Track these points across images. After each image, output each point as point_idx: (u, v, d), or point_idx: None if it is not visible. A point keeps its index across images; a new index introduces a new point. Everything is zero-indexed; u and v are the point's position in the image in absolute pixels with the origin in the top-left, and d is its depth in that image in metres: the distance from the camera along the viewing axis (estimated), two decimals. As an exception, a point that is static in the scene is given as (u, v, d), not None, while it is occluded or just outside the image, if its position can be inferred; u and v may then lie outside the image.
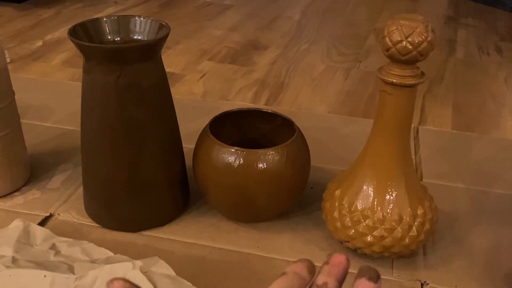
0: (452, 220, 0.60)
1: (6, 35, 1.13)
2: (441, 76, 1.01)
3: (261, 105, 0.87)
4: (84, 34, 0.51)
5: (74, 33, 0.50)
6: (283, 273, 0.27)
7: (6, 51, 1.00)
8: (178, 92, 0.91)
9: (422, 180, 0.67)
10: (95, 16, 1.27)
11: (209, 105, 0.86)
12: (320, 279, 0.27)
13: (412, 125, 0.80)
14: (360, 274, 0.27)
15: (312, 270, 0.28)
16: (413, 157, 0.72)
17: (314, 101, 0.90)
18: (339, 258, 0.28)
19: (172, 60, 1.04)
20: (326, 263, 0.28)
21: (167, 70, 1.00)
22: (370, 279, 0.26)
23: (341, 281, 0.27)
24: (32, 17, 1.24)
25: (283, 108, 0.87)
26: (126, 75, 0.49)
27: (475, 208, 0.63)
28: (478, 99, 0.92)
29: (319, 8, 1.43)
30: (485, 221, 0.60)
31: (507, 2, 1.44)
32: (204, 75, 0.98)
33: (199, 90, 0.93)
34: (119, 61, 0.48)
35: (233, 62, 1.05)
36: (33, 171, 0.66)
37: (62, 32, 1.16)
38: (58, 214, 0.59)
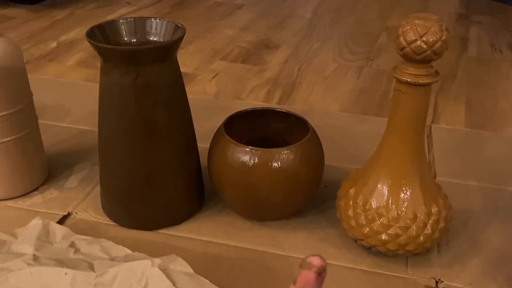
0: (466, 218, 0.60)
1: (21, 37, 1.14)
2: (453, 74, 1.01)
3: (273, 104, 0.88)
4: (102, 36, 0.52)
5: (91, 35, 0.51)
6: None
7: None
8: (191, 92, 0.91)
9: (436, 178, 0.67)
10: (108, 16, 1.28)
11: (222, 105, 0.86)
12: None
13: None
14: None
15: (324, 266, 0.25)
16: (427, 155, 0.72)
17: (327, 99, 0.90)
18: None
19: (185, 60, 1.04)
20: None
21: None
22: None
23: None
24: (46, 19, 1.25)
25: (295, 107, 0.87)
26: (143, 76, 0.50)
27: (489, 206, 0.63)
28: (491, 96, 0.92)
29: (330, 7, 1.44)
30: (499, 218, 0.61)
31: (519, -1, 1.43)
32: (216, 74, 0.99)
33: (212, 89, 0.93)
34: (136, 63, 0.49)
35: (245, 61, 1.05)
36: (50, 170, 0.67)
37: (76, 33, 1.17)
38: (76, 213, 0.60)
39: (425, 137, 0.77)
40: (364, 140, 0.76)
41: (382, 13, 1.38)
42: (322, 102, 0.90)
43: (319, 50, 1.12)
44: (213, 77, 0.98)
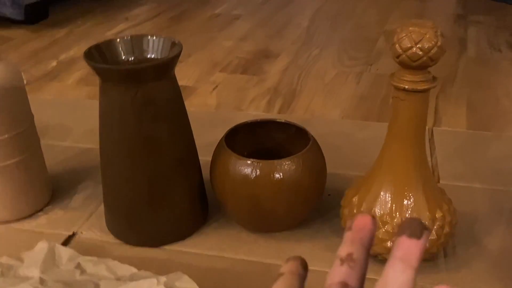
0: (471, 221, 0.60)
1: (21, 57, 1.15)
2: (453, 75, 1.01)
3: (274, 114, 0.88)
4: (99, 56, 0.53)
5: (89, 55, 0.51)
6: (280, 274, 0.25)
7: (22, 73, 1.03)
8: (192, 105, 0.92)
9: (439, 182, 0.67)
10: (107, 33, 1.29)
11: (223, 116, 0.87)
12: (343, 251, 0.23)
13: (427, 127, 0.80)
14: (400, 232, 0.22)
15: (306, 265, 0.26)
16: (429, 159, 0.72)
17: (327, 106, 0.90)
18: (363, 220, 0.23)
19: (184, 73, 1.05)
20: (349, 228, 0.24)
21: (180, 83, 1.00)
22: (411, 235, 0.22)
23: (368, 247, 0.24)
24: (46, 38, 1.26)
25: (296, 115, 0.87)
26: (142, 94, 0.50)
27: (494, 208, 0.62)
28: (492, 97, 0.92)
29: (328, 13, 1.44)
30: (505, 220, 0.60)
31: (516, -3, 1.43)
32: (216, 86, 0.99)
33: (212, 101, 0.94)
34: (135, 81, 0.49)
35: (245, 72, 1.06)
36: (54, 190, 0.67)
37: (75, 51, 1.18)
38: (81, 232, 0.60)
39: (427, 142, 0.76)
40: (366, 146, 0.76)
41: (380, 17, 1.38)
42: (323, 109, 0.90)
43: (318, 57, 1.12)
44: (213, 89, 0.98)
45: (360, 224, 0.24)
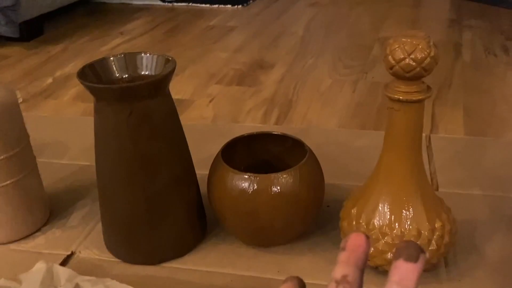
0: (471, 229, 0.60)
1: (17, 75, 1.15)
2: (449, 81, 1.01)
3: (271, 125, 0.88)
4: (93, 75, 0.53)
5: (83, 75, 0.51)
6: None
7: (18, 92, 1.03)
8: (188, 118, 0.92)
9: (438, 190, 0.67)
10: (102, 48, 1.30)
11: (220, 129, 0.87)
12: (338, 273, 0.23)
13: (424, 134, 0.80)
14: (396, 255, 0.22)
15: (303, 285, 0.25)
16: (428, 166, 0.72)
17: (324, 116, 0.90)
18: (356, 240, 0.23)
19: (180, 86, 1.05)
20: (343, 249, 0.24)
21: (176, 97, 1.01)
22: (408, 259, 0.22)
23: (362, 268, 0.23)
24: (41, 55, 1.26)
25: (293, 126, 0.87)
26: (137, 112, 0.50)
27: (494, 214, 0.62)
28: (488, 101, 0.92)
29: (322, 22, 1.44)
30: (505, 227, 0.60)
31: (509, 0, 1.44)
32: (213, 98, 0.99)
33: (209, 114, 0.93)
34: (129, 99, 0.49)
35: (241, 83, 1.06)
36: (52, 209, 0.67)
37: (71, 67, 1.18)
38: (79, 252, 0.59)
39: (425, 149, 0.76)
40: (364, 155, 0.75)
41: (374, 25, 1.39)
42: (319, 119, 0.90)
43: (313, 66, 1.12)
44: (210, 102, 0.98)
45: (354, 244, 0.23)
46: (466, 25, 1.34)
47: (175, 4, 1.66)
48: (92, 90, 0.49)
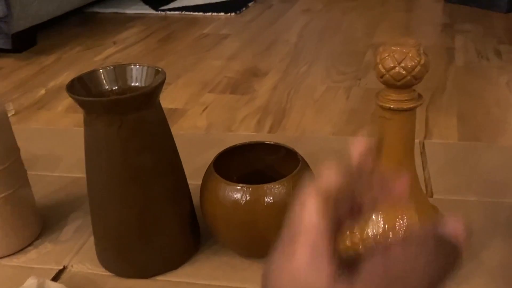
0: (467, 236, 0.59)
1: (10, 86, 1.15)
2: (442, 86, 1.01)
3: (264, 133, 0.88)
4: (82, 88, 0.52)
5: (72, 88, 0.51)
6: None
7: (10, 103, 1.02)
8: (182, 128, 0.91)
9: (432, 197, 0.66)
10: (96, 58, 1.29)
11: (213, 138, 0.86)
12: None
13: (418, 140, 0.80)
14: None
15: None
16: (422, 173, 0.71)
17: (318, 123, 0.90)
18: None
19: (174, 95, 1.04)
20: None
21: (169, 106, 1.01)
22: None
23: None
24: (34, 66, 1.26)
25: (287, 134, 0.87)
26: (127, 125, 0.49)
27: (490, 220, 0.62)
28: (482, 106, 0.92)
29: (315, 28, 1.45)
30: (501, 233, 0.60)
31: (501, 4, 1.44)
32: (206, 107, 0.99)
33: (202, 123, 0.93)
34: (119, 112, 0.48)
35: (234, 91, 1.06)
36: (44, 222, 0.66)
37: (64, 78, 1.17)
38: (72, 266, 0.59)
39: (419, 155, 0.76)
40: (358, 162, 0.75)
41: (367, 31, 1.39)
42: (313, 126, 0.89)
43: (307, 73, 1.12)
44: (203, 110, 0.98)
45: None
46: (458, 29, 1.34)
47: (168, 12, 1.66)
48: (81, 103, 0.49)
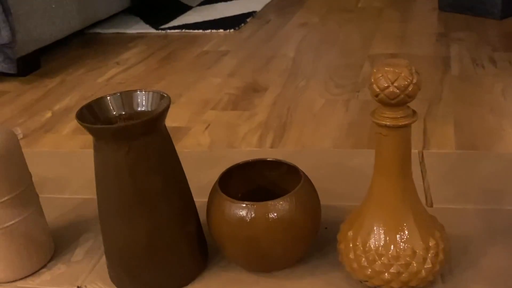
0: (466, 244, 0.61)
1: (17, 110, 1.17)
2: (439, 95, 1.03)
3: (266, 148, 0.90)
4: (91, 115, 0.55)
5: (81, 116, 0.53)
6: None
7: (18, 128, 1.05)
8: (185, 146, 0.94)
9: (432, 206, 0.68)
10: (99, 79, 1.32)
11: (216, 155, 0.88)
12: None
13: (417, 150, 0.82)
14: None
15: None
16: (421, 183, 0.73)
17: (318, 137, 0.92)
18: None
19: (176, 114, 1.07)
20: None
21: (172, 125, 1.03)
22: None
23: None
24: (39, 89, 1.29)
25: (288, 149, 0.89)
26: (135, 149, 0.52)
27: (488, 228, 0.64)
28: (478, 114, 0.94)
29: (312, 42, 1.47)
30: (500, 240, 0.61)
31: (495, 11, 1.47)
32: (209, 125, 1.01)
33: (205, 140, 0.95)
34: (126, 138, 0.51)
35: (235, 108, 1.08)
36: (57, 244, 0.68)
37: (69, 100, 1.20)
38: (85, 286, 0.61)
39: (418, 166, 0.78)
40: (359, 174, 0.77)
41: (363, 42, 1.41)
42: (314, 140, 0.91)
43: (305, 87, 1.15)
44: (206, 128, 1.00)
45: None
46: (453, 38, 1.37)
47: (168, 31, 1.69)
48: (90, 131, 0.51)
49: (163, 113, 0.53)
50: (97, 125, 0.53)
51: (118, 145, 0.51)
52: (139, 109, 0.57)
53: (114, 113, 0.56)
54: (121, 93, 0.57)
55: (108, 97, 0.56)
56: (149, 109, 0.56)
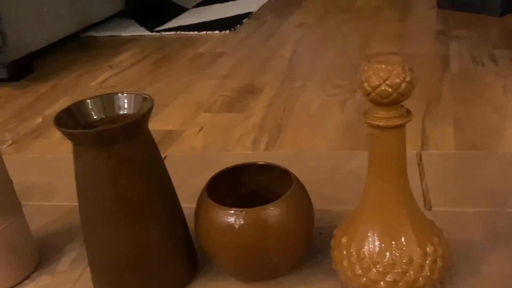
0: (467, 249, 0.58)
1: (8, 116, 1.15)
2: (438, 94, 1.01)
3: (261, 152, 0.87)
4: (70, 119, 0.52)
5: (59, 120, 0.51)
6: None
7: (7, 133, 1.03)
8: (178, 150, 0.91)
9: (431, 210, 0.66)
10: (92, 83, 1.30)
11: (210, 159, 0.86)
12: None
13: (415, 151, 0.79)
14: None
15: None
16: (420, 185, 0.71)
17: (314, 139, 0.90)
18: None
19: (170, 117, 1.04)
20: None
21: (165, 128, 1.01)
22: None
23: None
24: (31, 94, 1.27)
25: (283, 151, 0.86)
26: (116, 154, 0.49)
27: (490, 231, 0.61)
28: (478, 113, 0.91)
29: (309, 42, 1.45)
30: (502, 244, 0.59)
31: (495, 8, 1.44)
32: (202, 128, 0.99)
33: (199, 144, 0.93)
34: (106, 143, 0.48)
35: (230, 110, 1.05)
36: (42, 253, 0.66)
37: (60, 105, 1.18)
38: (69, 298, 0.58)
39: (416, 167, 0.75)
40: (356, 177, 0.74)
41: (361, 42, 1.39)
42: (310, 142, 0.89)
43: (302, 88, 1.12)
44: (199, 131, 0.98)
45: None
46: (453, 36, 1.34)
47: (163, 33, 1.67)
48: (68, 136, 0.49)
49: (145, 116, 0.50)
50: (77, 130, 0.50)
51: (98, 151, 0.49)
52: (121, 112, 0.54)
53: (95, 117, 0.54)
54: (101, 96, 0.54)
55: (88, 101, 0.54)
56: (132, 112, 0.54)
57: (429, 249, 0.49)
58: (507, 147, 0.79)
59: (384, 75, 0.43)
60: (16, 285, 0.61)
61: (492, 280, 0.54)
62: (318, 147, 0.87)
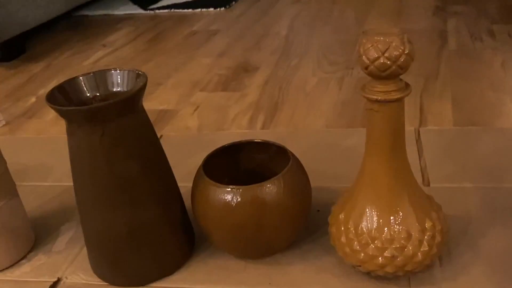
0: (465, 224, 0.58)
1: (0, 96, 1.13)
2: (436, 71, 1.00)
3: (257, 130, 0.86)
4: (63, 97, 0.51)
5: (52, 98, 0.49)
6: None
7: (0, 114, 1.01)
8: (173, 129, 0.90)
9: (429, 186, 0.65)
10: (85, 62, 1.28)
11: (205, 138, 0.85)
12: None
13: (413, 128, 0.79)
14: None
15: None
16: (418, 161, 0.70)
17: (311, 117, 0.89)
18: None
19: (165, 96, 1.03)
20: None
21: (160, 107, 1.00)
22: None
23: None
24: (24, 74, 1.25)
25: (280, 129, 0.86)
26: (110, 132, 0.48)
27: (488, 207, 0.61)
28: (476, 89, 0.90)
29: (305, 19, 1.43)
30: (499, 220, 0.58)
31: (493, -17, 1.42)
32: (198, 107, 0.98)
33: (194, 123, 0.92)
34: (100, 120, 0.47)
35: (225, 89, 1.04)
36: (38, 234, 0.65)
37: (54, 84, 1.15)
38: (66, 278, 0.58)
39: (414, 144, 0.75)
40: (353, 155, 0.74)
41: (358, 18, 1.37)
42: (306, 120, 0.88)
43: (298, 66, 1.11)
44: (195, 110, 0.97)
45: None
46: (450, 11, 1.32)
47: (157, 11, 1.64)
48: (61, 113, 0.48)
49: (139, 92, 0.49)
50: (69, 107, 0.49)
51: (91, 128, 0.48)
52: (114, 89, 0.53)
53: (88, 94, 0.53)
54: (94, 73, 0.53)
55: (81, 78, 0.52)
56: (125, 89, 0.53)
57: (427, 224, 0.48)
58: (505, 123, 0.79)
59: (382, 48, 0.42)
60: (13, 265, 0.61)
61: (489, 254, 0.54)
62: (315, 125, 0.86)
